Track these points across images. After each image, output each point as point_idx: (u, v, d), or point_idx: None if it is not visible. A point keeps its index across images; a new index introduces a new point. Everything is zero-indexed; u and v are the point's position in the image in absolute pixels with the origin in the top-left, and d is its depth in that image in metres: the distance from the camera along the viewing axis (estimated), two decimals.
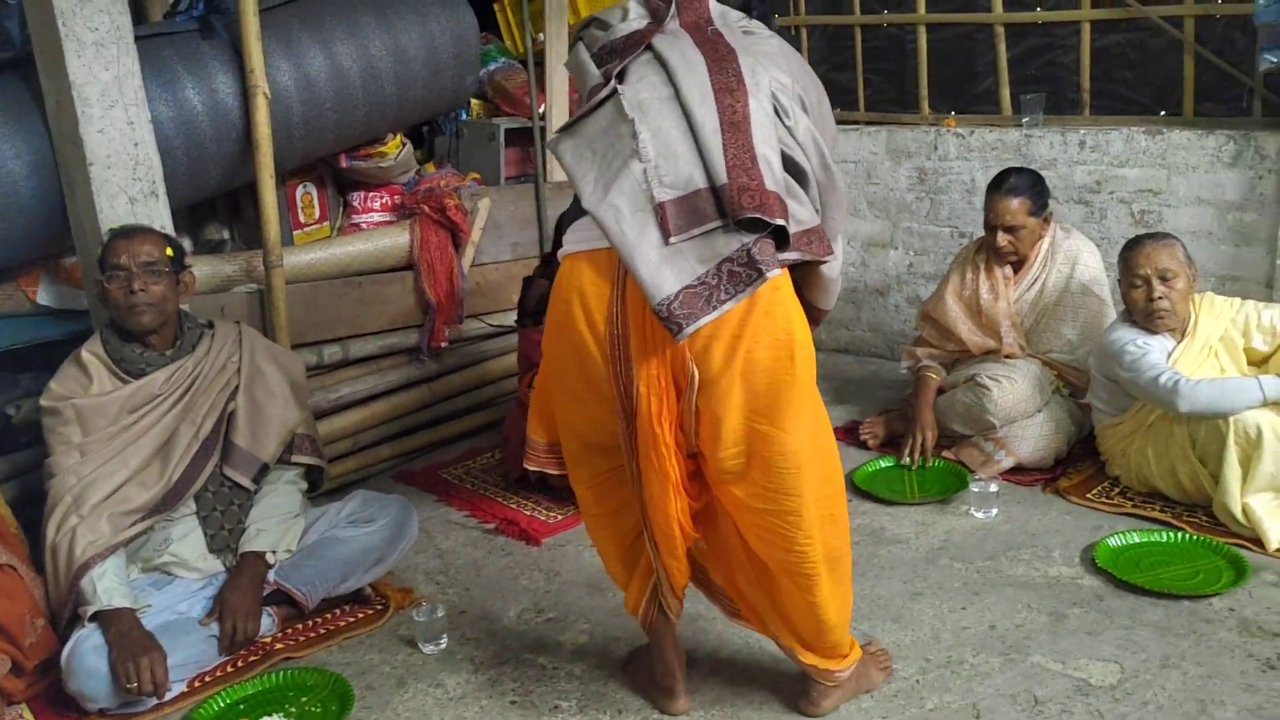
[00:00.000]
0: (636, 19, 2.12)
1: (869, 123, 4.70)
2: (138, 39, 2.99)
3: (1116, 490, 3.25)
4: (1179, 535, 2.92)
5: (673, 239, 1.88)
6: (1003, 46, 4.24)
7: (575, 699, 2.39)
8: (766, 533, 2.05)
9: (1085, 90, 4.09)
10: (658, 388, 1.96)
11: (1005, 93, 4.30)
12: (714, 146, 1.91)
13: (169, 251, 2.67)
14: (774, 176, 1.93)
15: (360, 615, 2.78)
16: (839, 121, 4.77)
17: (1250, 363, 3.14)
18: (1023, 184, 3.48)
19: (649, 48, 2.04)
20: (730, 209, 1.88)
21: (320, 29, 3.46)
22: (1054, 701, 2.26)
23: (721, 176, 1.89)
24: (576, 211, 2.04)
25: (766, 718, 2.28)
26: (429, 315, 3.88)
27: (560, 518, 3.29)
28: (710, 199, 1.90)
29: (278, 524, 2.74)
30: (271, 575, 2.68)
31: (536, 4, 4.39)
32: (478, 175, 4.20)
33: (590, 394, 2.05)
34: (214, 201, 3.61)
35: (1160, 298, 2.98)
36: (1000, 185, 3.50)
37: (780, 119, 2.00)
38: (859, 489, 3.36)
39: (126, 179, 2.93)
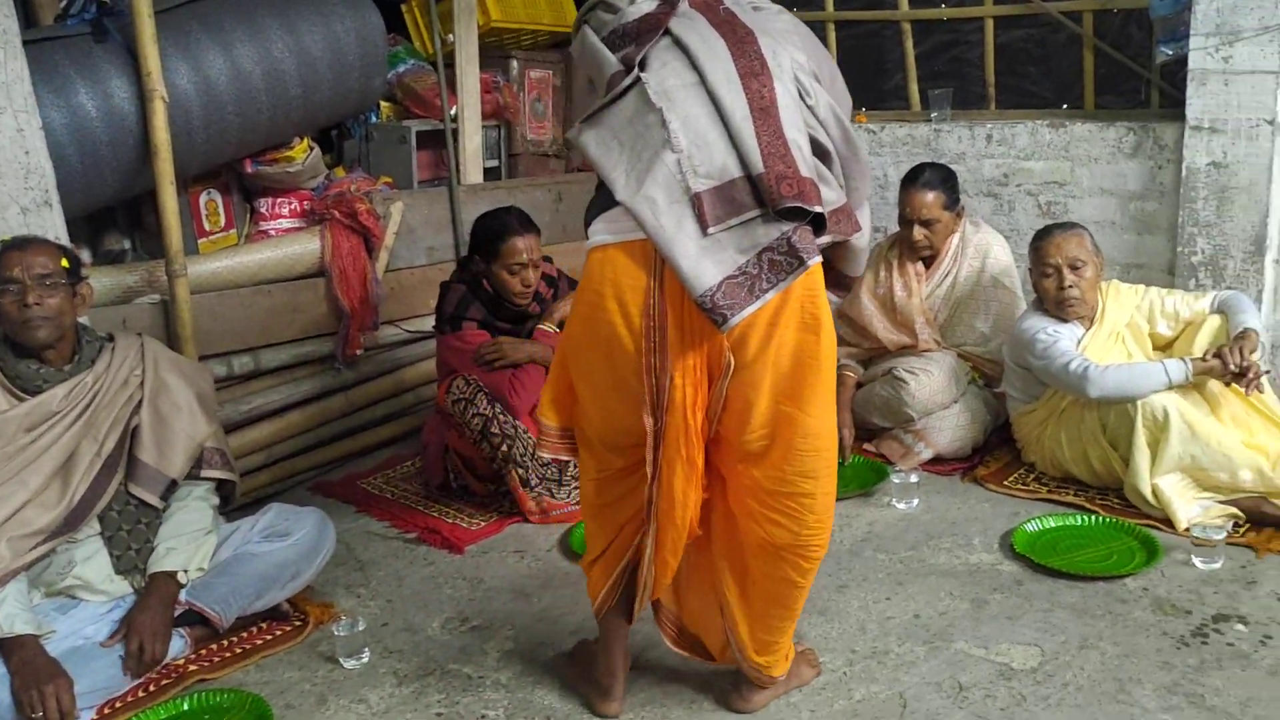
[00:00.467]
0: (643, 2, 2.06)
1: None
2: (27, 43, 2.88)
3: (1032, 476, 3.32)
4: (1093, 518, 2.98)
5: (711, 230, 1.86)
6: (910, 43, 4.31)
7: (502, 708, 2.34)
8: (777, 514, 2.04)
9: (990, 85, 4.18)
10: (694, 377, 1.95)
11: (914, 88, 4.36)
12: (746, 134, 1.89)
13: (64, 263, 2.55)
14: (806, 162, 1.92)
15: (278, 632, 2.70)
16: None
17: (1155, 347, 3.23)
18: (936, 179, 3.52)
19: (667, 32, 2.00)
20: (770, 198, 1.86)
21: (219, 31, 3.36)
22: (978, 687, 2.29)
23: (758, 165, 1.87)
24: (605, 201, 1.98)
25: (697, 717, 2.27)
26: (343, 323, 3.79)
27: (482, 524, 3.24)
28: (747, 188, 1.88)
29: (188, 542, 2.64)
30: (183, 595, 2.58)
31: (445, 4, 4.33)
32: (389, 179, 4.12)
33: (615, 390, 2.02)
34: (113, 210, 3.49)
35: (1070, 286, 3.04)
36: (915, 180, 3.54)
37: (803, 100, 1.98)
38: None
39: (17, 188, 2.81)
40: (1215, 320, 3.10)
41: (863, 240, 2.12)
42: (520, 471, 3.19)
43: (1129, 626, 2.49)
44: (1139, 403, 2.92)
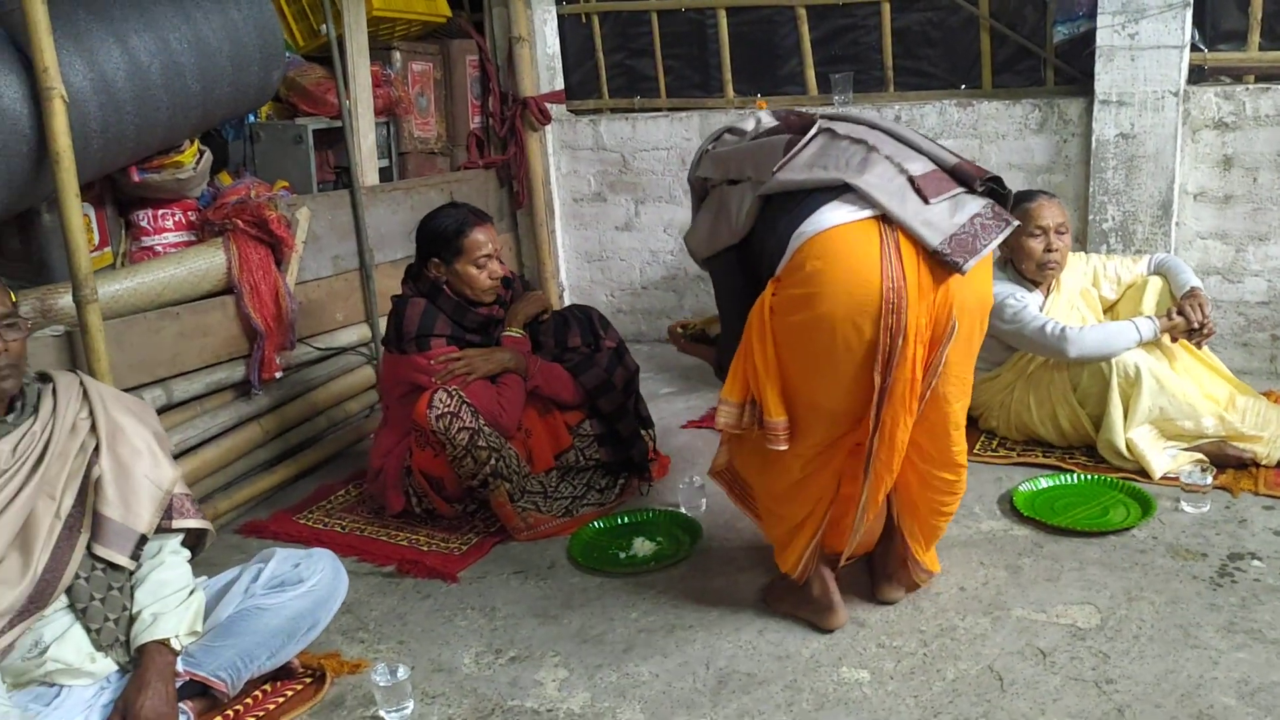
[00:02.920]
0: (769, 123, 2.49)
1: (674, 109, 4.68)
2: None
3: (995, 441, 3.42)
4: (1077, 477, 3.10)
5: (931, 200, 2.17)
6: (805, 28, 4.35)
7: None
8: (942, 438, 2.35)
9: (889, 68, 4.27)
10: (923, 336, 2.16)
11: (810, 73, 4.41)
12: (931, 146, 2.30)
13: (13, 297, 2.15)
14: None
15: (289, 693, 2.38)
16: (641, 110, 4.75)
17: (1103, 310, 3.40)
18: None
19: (820, 130, 2.35)
20: (970, 179, 2.23)
21: (110, 20, 2.96)
22: (1059, 651, 2.31)
23: (951, 159, 2.27)
24: (813, 205, 2.18)
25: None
26: (257, 343, 3.43)
27: (465, 547, 3.01)
28: (946, 176, 2.24)
29: (175, 604, 2.28)
30: (181, 665, 2.24)
31: None
32: (286, 183, 3.76)
33: (841, 358, 2.17)
34: None
35: (1055, 249, 3.16)
36: None
37: None
38: None
39: None
40: (1157, 281, 3.29)
41: None
42: (507, 486, 2.97)
43: (1160, 574, 2.59)
44: (1113, 361, 3.06)
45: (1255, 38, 3.75)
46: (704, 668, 2.35)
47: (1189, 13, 3.62)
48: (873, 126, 2.32)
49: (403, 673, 2.28)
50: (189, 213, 3.51)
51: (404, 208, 4.17)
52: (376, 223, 3.99)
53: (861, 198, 2.16)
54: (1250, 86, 3.73)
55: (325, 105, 3.90)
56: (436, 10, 4.51)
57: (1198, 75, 3.80)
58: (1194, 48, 3.75)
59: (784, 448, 2.27)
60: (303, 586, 2.39)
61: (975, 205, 2.20)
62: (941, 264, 2.13)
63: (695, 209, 2.62)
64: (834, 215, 2.16)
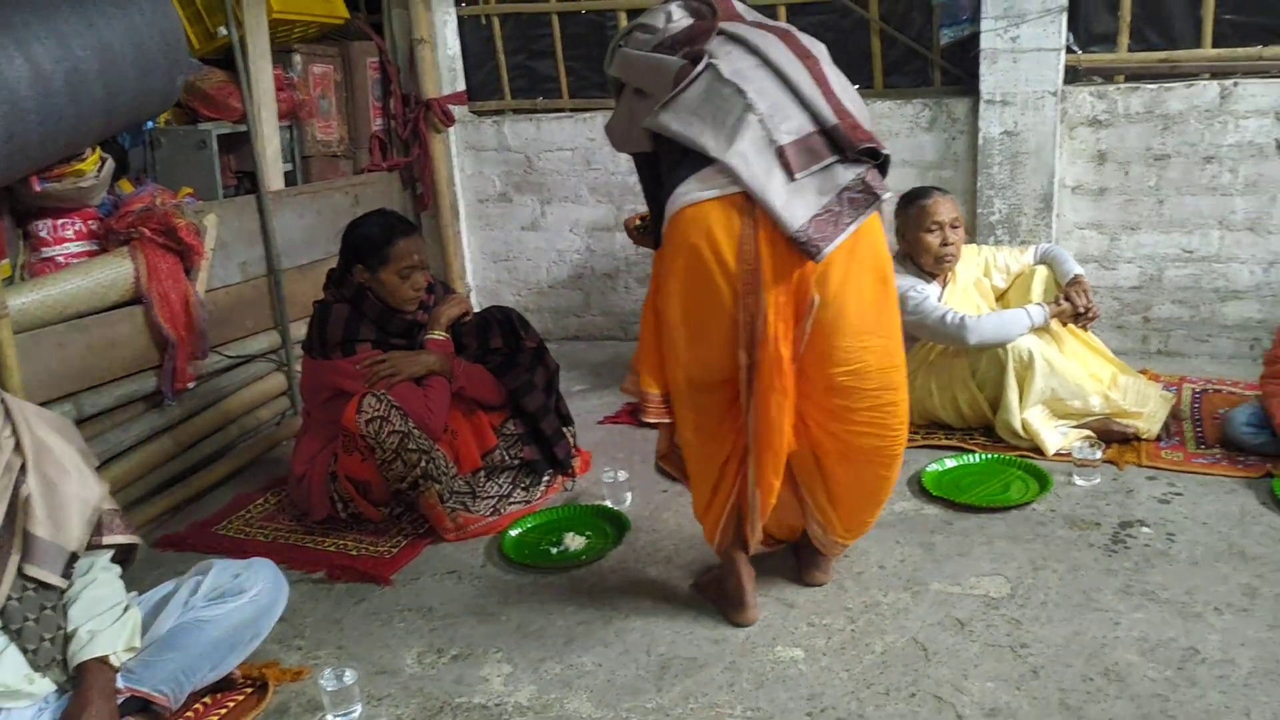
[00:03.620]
0: (682, 19, 2.33)
1: (577, 109, 4.74)
2: None
3: None
4: (979, 456, 3.29)
5: (797, 175, 2.12)
6: None
7: None
8: (865, 426, 2.32)
9: None
10: (784, 314, 2.17)
11: None
12: (815, 96, 2.17)
13: None
14: (865, 119, 2.21)
15: (231, 704, 2.38)
16: (544, 111, 4.79)
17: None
18: None
19: (721, 32, 2.26)
20: (847, 143, 2.14)
21: (9, 26, 2.87)
22: (975, 620, 2.46)
23: (830, 119, 2.15)
24: (691, 166, 2.18)
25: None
26: (168, 353, 3.37)
27: (396, 550, 3.02)
28: (822, 140, 2.15)
29: (110, 620, 2.25)
30: (121, 681, 2.22)
31: None
32: (190, 190, 3.69)
33: (710, 331, 2.22)
34: None
35: (951, 243, 3.33)
36: None
37: None
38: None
39: None
40: (1043, 270, 3.50)
41: None
42: (437, 487, 3.00)
43: (1060, 544, 2.79)
44: (1008, 347, 3.26)
45: (1124, 40, 4.01)
46: (645, 655, 2.43)
47: (1064, 17, 3.85)
48: (763, 60, 2.20)
49: (350, 676, 2.30)
50: (90, 222, 3.42)
51: (310, 212, 4.13)
52: (283, 228, 3.95)
53: (720, 169, 2.13)
54: (1121, 86, 3.99)
55: (227, 109, 3.84)
56: (334, 11, 4.47)
57: (1073, 76, 4.05)
58: (1069, 50, 3.99)
59: (653, 420, 2.41)
60: (244, 597, 2.38)
61: (846, 176, 2.14)
62: (798, 248, 2.11)
63: (615, 99, 2.53)
64: (700, 189, 2.15)
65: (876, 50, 4.27)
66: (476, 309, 3.47)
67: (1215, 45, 3.93)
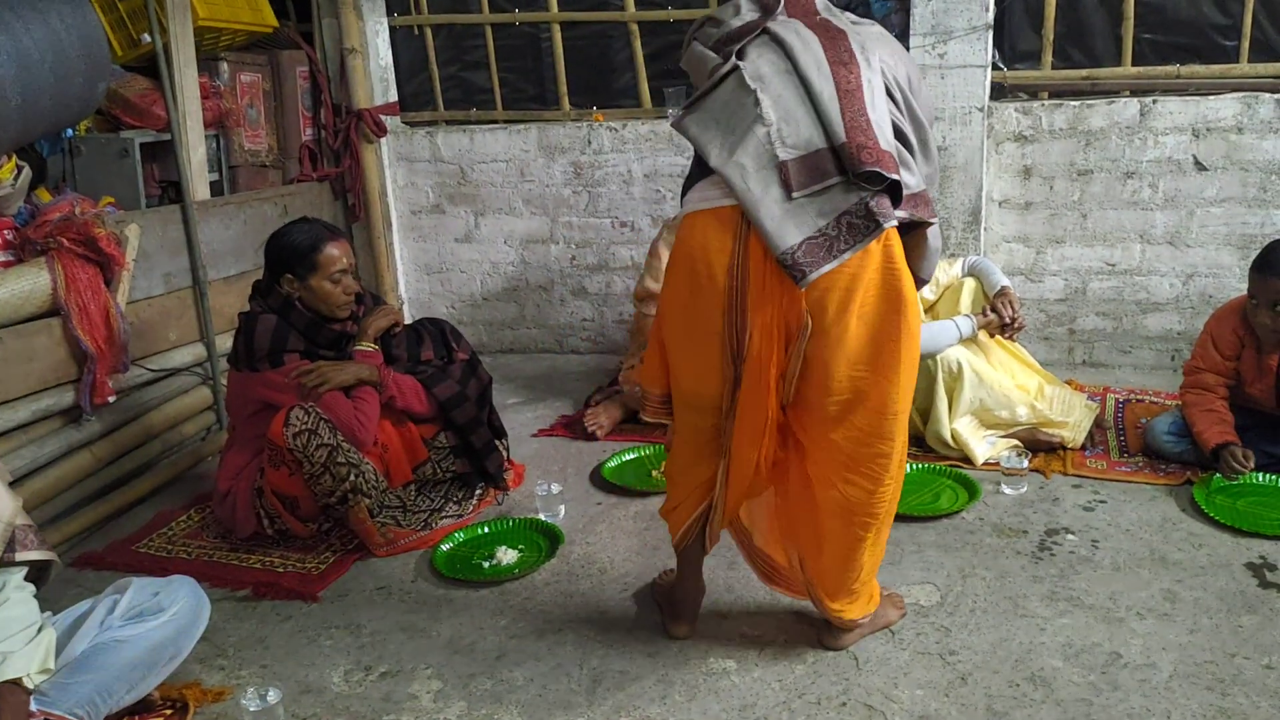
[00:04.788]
0: (749, 13, 2.22)
1: (511, 121, 4.72)
2: None
3: None
4: (910, 466, 3.31)
5: (795, 194, 2.03)
6: (638, 44, 4.47)
7: None
8: (855, 474, 2.20)
9: None
10: (770, 335, 2.09)
11: (644, 87, 4.53)
12: (832, 111, 2.05)
13: None
14: (886, 139, 2.07)
15: None
16: (476, 123, 4.77)
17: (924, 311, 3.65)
18: None
19: (765, 30, 2.17)
20: (850, 164, 2.01)
21: None
22: (905, 629, 2.48)
23: (840, 136, 2.03)
24: (699, 174, 2.16)
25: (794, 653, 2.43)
26: (87, 366, 3.28)
27: (324, 566, 2.96)
28: (830, 158, 2.04)
29: (23, 642, 2.17)
30: (35, 704, 2.14)
31: (134, 1, 3.84)
32: (112, 199, 3.60)
33: (702, 346, 2.17)
34: None
35: None
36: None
37: (889, 93, 2.14)
38: (609, 483, 3.41)
39: None
40: (971, 282, 3.56)
41: (936, 239, 2.29)
42: (367, 501, 2.95)
43: (988, 552, 2.82)
44: (937, 359, 3.30)
45: (1048, 58, 4.11)
46: (578, 668, 2.41)
47: (990, 35, 3.93)
48: (792, 65, 2.09)
49: (273, 696, 2.25)
50: (6, 231, 3.31)
51: (237, 222, 4.05)
52: (209, 238, 3.87)
53: (726, 184, 2.07)
54: (1045, 102, 4.08)
55: (151, 118, 3.76)
56: (263, 20, 4.40)
57: (999, 92, 4.13)
58: (995, 67, 4.07)
59: (650, 419, 2.43)
60: (163, 615, 2.31)
61: (847, 201, 2.02)
62: (785, 270, 2.03)
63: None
64: (702, 197, 2.13)
65: None
66: (408, 321, 3.42)
67: (1135, 64, 4.04)
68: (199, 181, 3.89)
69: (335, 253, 2.99)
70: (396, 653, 2.54)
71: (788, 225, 2.01)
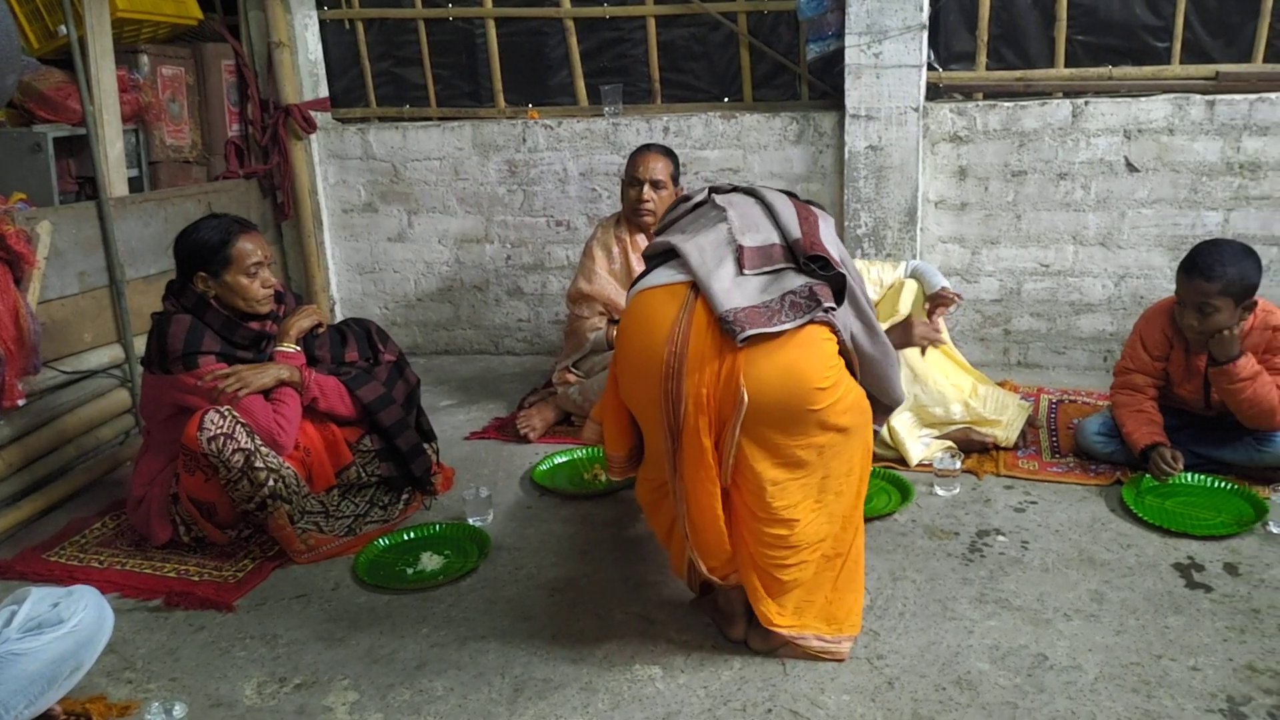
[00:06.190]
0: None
1: (444, 118, 4.63)
2: None
3: None
4: None
5: (746, 271, 2.18)
6: (574, 40, 4.41)
7: None
8: (757, 495, 2.22)
9: (655, 80, 4.40)
10: (705, 407, 2.12)
11: (580, 84, 4.48)
12: (791, 222, 2.28)
13: None
14: (836, 256, 2.25)
15: None
16: (410, 119, 4.69)
17: None
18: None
19: (735, 188, 2.45)
20: (800, 251, 2.21)
21: None
22: None
23: (795, 233, 2.25)
24: (658, 265, 2.32)
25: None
26: None
27: (242, 574, 2.87)
28: (784, 252, 2.24)
29: None
30: None
31: None
32: (23, 195, 3.47)
33: (645, 411, 2.25)
34: None
35: None
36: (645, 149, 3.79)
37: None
38: (540, 486, 3.34)
39: None
40: (912, 284, 3.54)
41: (891, 387, 2.47)
42: (287, 507, 2.86)
43: (919, 554, 2.80)
44: None
45: (983, 58, 4.11)
46: (499, 677, 2.35)
47: (925, 35, 3.92)
48: (757, 199, 2.37)
49: (179, 710, 2.17)
50: None
51: (157, 220, 3.93)
52: (127, 236, 3.75)
53: (681, 263, 2.22)
54: (980, 103, 4.08)
55: (66, 111, 3.63)
56: (187, 12, 4.28)
57: (934, 93, 4.13)
58: (930, 67, 4.07)
59: (616, 477, 2.49)
60: (64, 627, 2.19)
61: (794, 283, 2.16)
62: (723, 331, 2.09)
63: None
64: (657, 277, 2.24)
65: (746, 64, 4.29)
66: (345, 321, 3.33)
67: (1068, 65, 4.06)
68: (116, 177, 3.77)
69: (249, 246, 2.89)
70: (313, 663, 2.46)
71: (735, 294, 2.13)
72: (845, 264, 2.30)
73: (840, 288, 2.22)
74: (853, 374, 2.28)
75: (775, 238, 2.25)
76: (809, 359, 2.11)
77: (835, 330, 2.18)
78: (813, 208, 2.41)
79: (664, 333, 2.14)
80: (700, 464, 2.16)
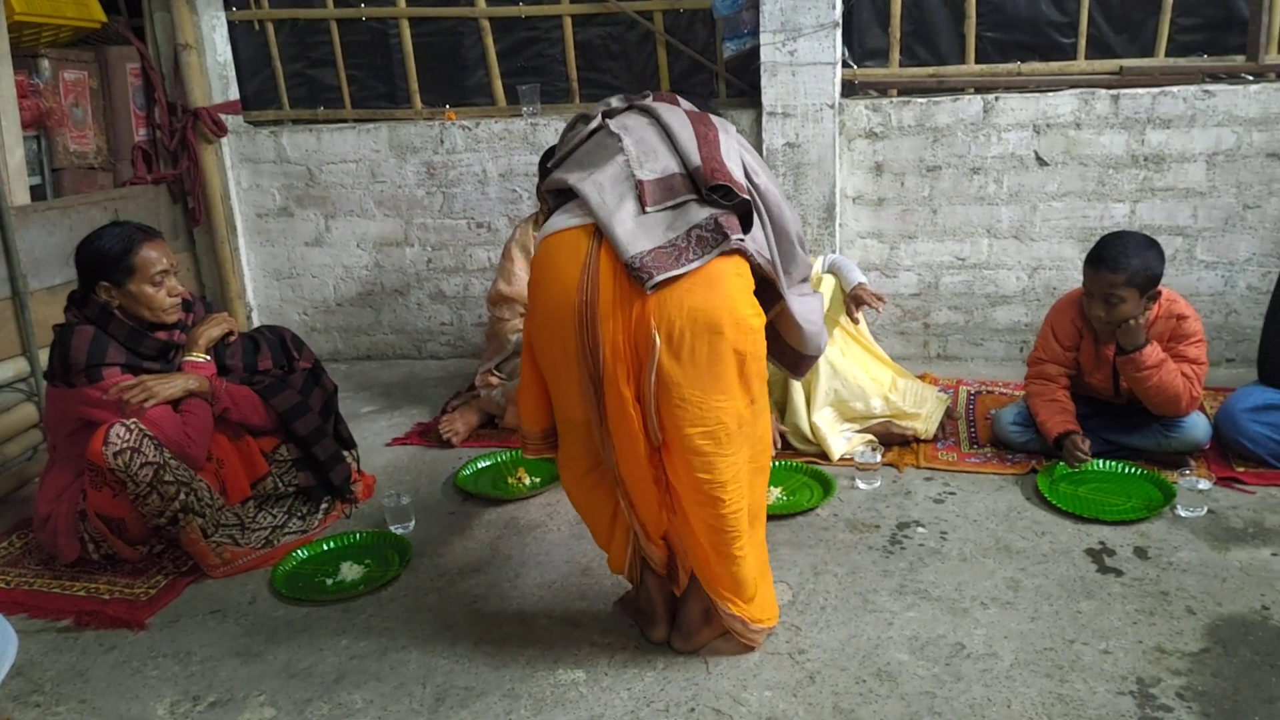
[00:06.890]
0: (617, 104, 2.38)
1: (360, 120, 4.57)
2: None
3: None
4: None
5: (649, 208, 2.09)
6: (490, 40, 4.37)
7: None
8: (684, 468, 2.15)
9: (574, 80, 4.38)
10: (622, 355, 2.07)
11: (498, 85, 4.44)
12: (690, 146, 2.16)
13: None
14: (739, 174, 2.16)
15: None
16: (325, 121, 4.61)
17: None
18: None
19: (632, 106, 2.34)
20: (701, 180, 2.11)
21: None
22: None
23: (695, 160, 2.14)
24: (559, 204, 2.22)
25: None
26: None
27: (154, 591, 2.79)
28: (685, 181, 2.14)
29: None
30: None
31: None
32: None
33: (560, 364, 2.16)
34: None
35: None
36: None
37: (743, 162, 2.22)
38: (463, 491, 3.31)
39: None
40: (830, 279, 3.57)
41: (806, 322, 2.34)
42: (200, 521, 2.79)
43: (840, 548, 2.82)
44: None
45: (896, 55, 4.17)
46: (420, 687, 2.31)
47: (839, 32, 3.96)
48: (654, 119, 2.24)
49: None
50: None
51: (62, 228, 3.81)
52: (30, 246, 3.63)
53: (582, 203, 2.13)
54: (894, 100, 4.13)
55: None
56: (89, 14, 4.16)
57: (850, 90, 4.17)
58: (845, 64, 4.11)
59: (531, 455, 2.40)
60: None
61: (699, 215, 2.09)
62: (632, 278, 2.03)
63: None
64: (560, 220, 2.15)
65: (663, 62, 4.29)
66: (258, 329, 3.26)
67: (978, 61, 4.13)
68: (17, 185, 3.65)
69: (153, 254, 2.82)
70: (228, 680, 2.40)
71: (639, 236, 2.06)
72: (755, 175, 2.22)
73: (747, 213, 2.16)
74: (774, 323, 2.29)
75: (675, 165, 2.15)
76: (720, 295, 2.05)
77: (748, 256, 2.12)
78: (712, 117, 2.31)
79: (574, 280, 2.07)
80: (623, 416, 2.10)
